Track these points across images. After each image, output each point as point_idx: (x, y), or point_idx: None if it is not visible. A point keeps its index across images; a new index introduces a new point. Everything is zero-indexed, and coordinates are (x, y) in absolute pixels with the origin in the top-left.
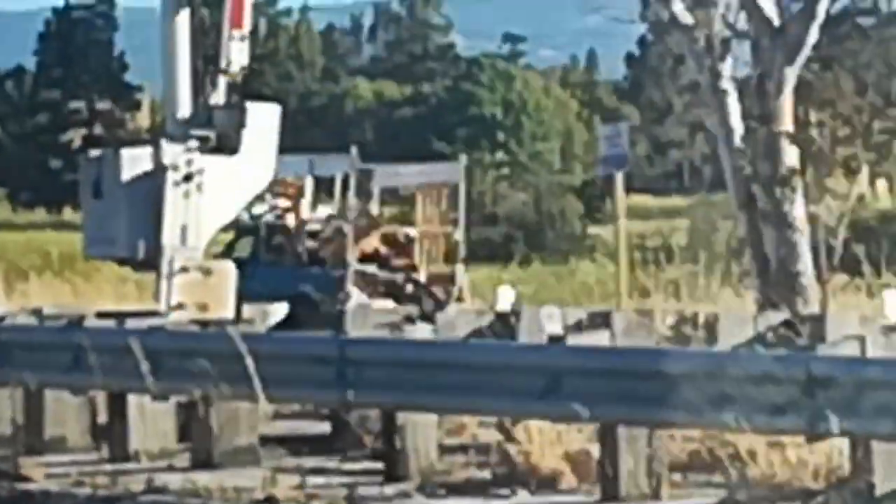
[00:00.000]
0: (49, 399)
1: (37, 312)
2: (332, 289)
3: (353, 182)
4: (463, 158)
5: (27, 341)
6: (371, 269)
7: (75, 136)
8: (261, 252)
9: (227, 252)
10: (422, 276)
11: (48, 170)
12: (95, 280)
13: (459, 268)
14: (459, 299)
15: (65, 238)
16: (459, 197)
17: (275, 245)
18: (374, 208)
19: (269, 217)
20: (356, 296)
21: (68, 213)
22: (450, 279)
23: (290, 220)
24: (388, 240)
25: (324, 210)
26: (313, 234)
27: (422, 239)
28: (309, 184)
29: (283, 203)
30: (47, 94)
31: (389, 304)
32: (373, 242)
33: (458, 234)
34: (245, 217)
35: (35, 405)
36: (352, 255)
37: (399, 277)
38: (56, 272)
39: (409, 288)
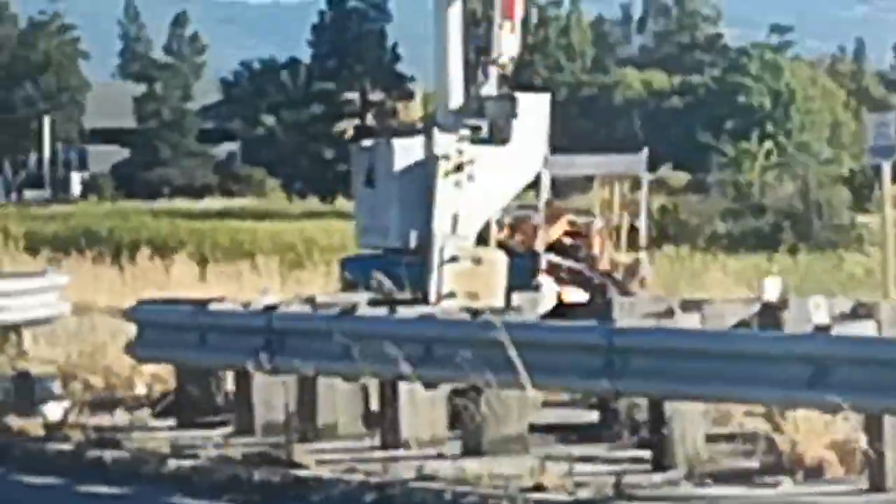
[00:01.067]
0: (322, 387)
1: (310, 300)
2: (522, 278)
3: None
4: (645, 150)
5: (301, 329)
6: (557, 258)
7: (348, 127)
8: None
9: None
10: (604, 265)
11: (322, 160)
12: None
13: (642, 256)
14: (642, 286)
15: (337, 227)
16: (643, 187)
17: None
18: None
19: None
20: (547, 285)
21: (341, 203)
22: (632, 267)
23: None
24: (570, 229)
25: None
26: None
27: (603, 228)
28: None
29: None
30: (321, 84)
31: (579, 293)
32: (556, 232)
33: (641, 223)
34: None
35: (308, 393)
36: (541, 245)
37: (583, 266)
38: (329, 261)
39: (596, 277)
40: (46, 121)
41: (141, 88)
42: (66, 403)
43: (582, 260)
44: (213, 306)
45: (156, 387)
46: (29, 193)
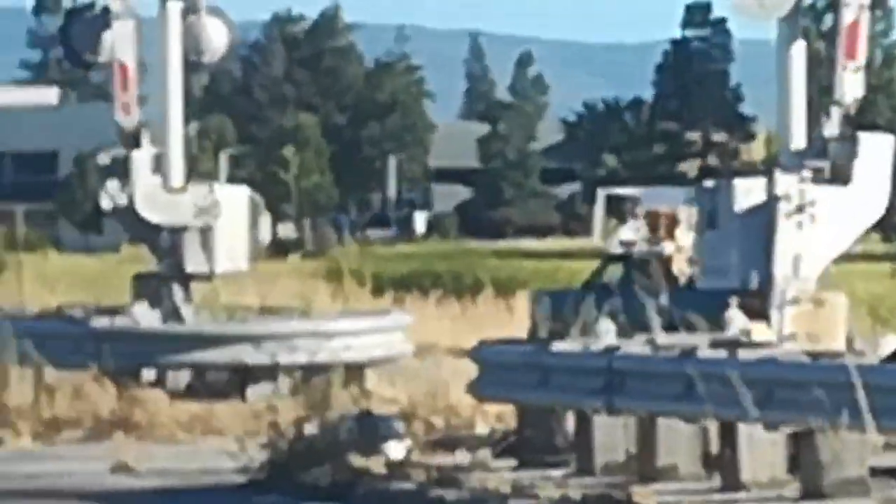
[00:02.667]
0: (662, 427)
1: (651, 341)
2: (713, 313)
3: None
4: None
5: (641, 370)
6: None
7: (690, 167)
8: (636, 277)
9: (594, 278)
10: None
11: None
12: None
13: None
14: None
15: None
16: None
17: (649, 271)
18: None
19: (643, 245)
20: (739, 320)
21: None
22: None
23: (668, 247)
24: None
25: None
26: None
27: None
28: (684, 213)
29: (658, 231)
30: (664, 124)
31: (767, 328)
32: None
33: None
34: (614, 244)
35: (648, 433)
36: None
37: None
38: None
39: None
40: (392, 161)
41: (485, 128)
42: (408, 443)
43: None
44: (554, 347)
45: (497, 426)
46: (373, 233)
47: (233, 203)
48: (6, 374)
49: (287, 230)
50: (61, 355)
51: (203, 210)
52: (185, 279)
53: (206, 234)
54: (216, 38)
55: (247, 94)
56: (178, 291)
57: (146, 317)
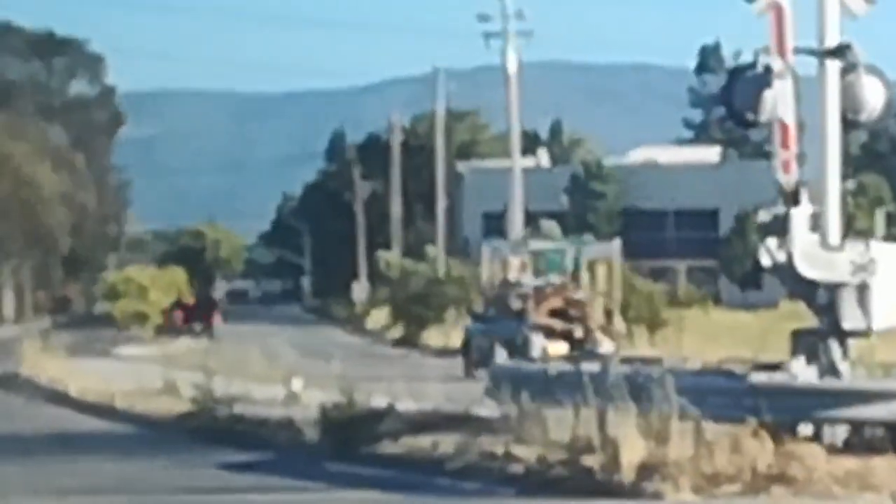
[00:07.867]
0: None
1: None
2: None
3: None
4: (617, 240)
5: None
6: (547, 320)
7: None
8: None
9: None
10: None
11: None
12: None
13: (617, 319)
14: (614, 339)
15: None
16: (615, 268)
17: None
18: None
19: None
20: (536, 340)
21: None
22: (606, 326)
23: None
24: (567, 300)
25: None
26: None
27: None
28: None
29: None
30: None
31: (563, 345)
32: (557, 301)
33: (616, 295)
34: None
35: None
36: (532, 311)
37: (573, 327)
38: None
39: (579, 333)
40: None
41: None
42: None
43: (573, 321)
44: None
45: None
46: None
47: (889, 260)
48: (668, 429)
49: None
50: (720, 410)
51: (860, 267)
52: (843, 336)
53: (862, 291)
54: (873, 98)
55: None
56: (834, 348)
57: (803, 372)
